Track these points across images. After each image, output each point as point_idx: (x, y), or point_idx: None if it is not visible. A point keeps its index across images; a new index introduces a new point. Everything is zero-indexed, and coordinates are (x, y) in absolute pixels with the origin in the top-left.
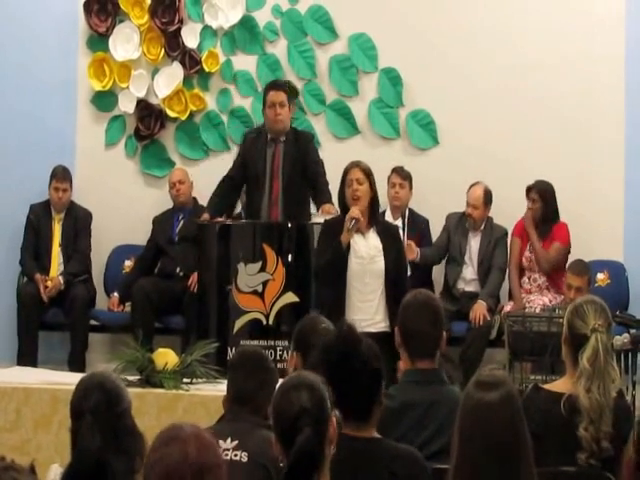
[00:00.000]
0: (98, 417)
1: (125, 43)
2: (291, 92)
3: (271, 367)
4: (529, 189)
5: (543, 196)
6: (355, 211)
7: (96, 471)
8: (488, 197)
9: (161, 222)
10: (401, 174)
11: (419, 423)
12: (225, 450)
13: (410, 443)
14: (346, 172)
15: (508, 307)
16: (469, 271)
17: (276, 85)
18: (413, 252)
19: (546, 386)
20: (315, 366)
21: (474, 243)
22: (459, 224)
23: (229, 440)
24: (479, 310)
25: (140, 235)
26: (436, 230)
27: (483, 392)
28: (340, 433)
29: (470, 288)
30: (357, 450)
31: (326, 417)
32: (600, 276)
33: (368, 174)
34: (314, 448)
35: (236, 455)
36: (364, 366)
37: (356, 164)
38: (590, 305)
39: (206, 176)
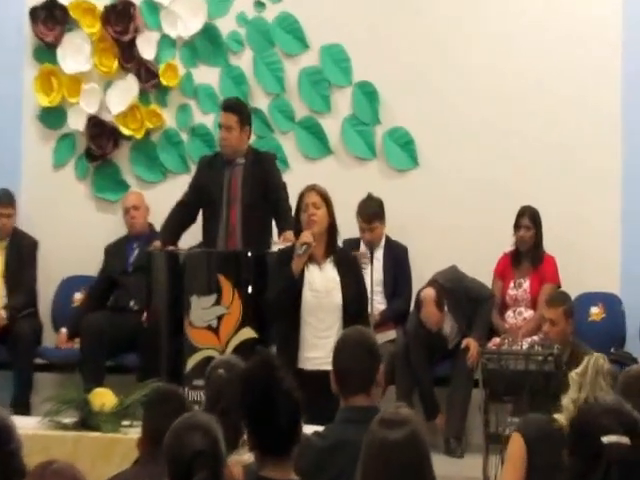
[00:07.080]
0: None
1: (75, 54)
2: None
3: (189, 407)
4: (520, 215)
5: (535, 222)
6: (306, 235)
7: None
8: (441, 300)
9: (114, 251)
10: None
11: (351, 464)
12: None
13: None
14: (301, 196)
15: (491, 344)
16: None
17: (226, 106)
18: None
19: None
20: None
21: None
22: None
23: None
24: (472, 345)
25: (91, 265)
26: (413, 258)
27: (387, 430)
28: (258, 476)
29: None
30: None
31: (221, 459)
32: (594, 310)
33: (325, 198)
34: None
35: None
36: (285, 396)
37: (312, 187)
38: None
39: (164, 200)
